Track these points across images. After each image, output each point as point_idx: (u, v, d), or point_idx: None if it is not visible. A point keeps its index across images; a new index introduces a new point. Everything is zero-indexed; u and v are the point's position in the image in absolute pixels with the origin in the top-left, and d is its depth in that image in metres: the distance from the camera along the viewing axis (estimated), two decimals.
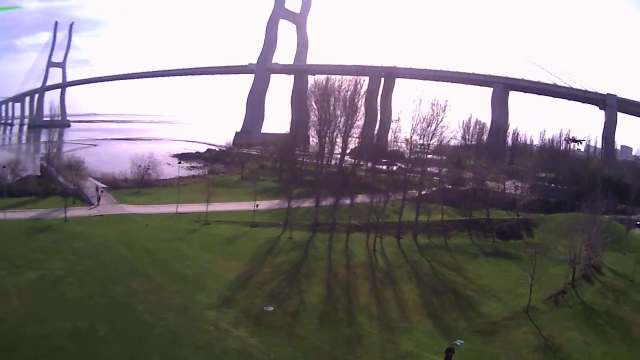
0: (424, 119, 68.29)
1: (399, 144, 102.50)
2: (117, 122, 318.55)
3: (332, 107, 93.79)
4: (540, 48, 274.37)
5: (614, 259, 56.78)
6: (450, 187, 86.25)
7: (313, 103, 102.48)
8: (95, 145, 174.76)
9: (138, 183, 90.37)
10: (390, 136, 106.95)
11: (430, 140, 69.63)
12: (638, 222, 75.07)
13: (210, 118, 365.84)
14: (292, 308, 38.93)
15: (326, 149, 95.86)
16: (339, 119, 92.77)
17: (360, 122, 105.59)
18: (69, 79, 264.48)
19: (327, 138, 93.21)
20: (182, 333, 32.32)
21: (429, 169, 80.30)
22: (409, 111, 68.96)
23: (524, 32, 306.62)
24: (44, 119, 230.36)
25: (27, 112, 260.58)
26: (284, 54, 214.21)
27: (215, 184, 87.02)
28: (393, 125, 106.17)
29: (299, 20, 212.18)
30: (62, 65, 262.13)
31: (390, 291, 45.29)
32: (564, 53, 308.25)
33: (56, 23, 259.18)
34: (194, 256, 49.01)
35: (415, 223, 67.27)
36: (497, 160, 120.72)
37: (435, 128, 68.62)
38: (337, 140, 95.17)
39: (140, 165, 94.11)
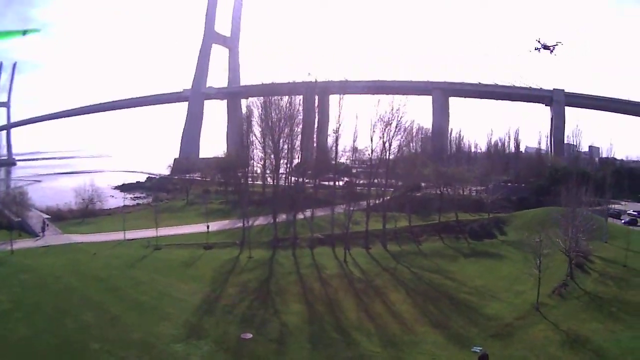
0: (381, 118, 63.08)
1: (346, 155, 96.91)
2: (59, 158, 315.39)
3: (274, 119, 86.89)
4: (480, 53, 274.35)
5: (598, 247, 53.72)
6: (408, 193, 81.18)
7: (256, 116, 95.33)
8: (39, 181, 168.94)
9: (83, 213, 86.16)
10: (333, 149, 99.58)
11: (392, 140, 64.29)
12: (610, 212, 72.86)
13: (147, 148, 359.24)
14: (274, 333, 32.68)
15: (272, 163, 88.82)
16: (283, 130, 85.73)
17: (298, 137, 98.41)
18: (13, 118, 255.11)
19: (272, 150, 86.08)
20: None
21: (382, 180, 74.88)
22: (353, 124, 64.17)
23: (463, 38, 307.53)
24: None
25: None
26: (218, 77, 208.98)
27: (161, 210, 79.55)
28: (330, 140, 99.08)
29: (230, 43, 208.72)
30: (7, 104, 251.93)
31: (379, 304, 39.93)
32: (507, 55, 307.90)
33: (0, 64, 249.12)
34: (149, 281, 42.65)
35: (383, 231, 62.05)
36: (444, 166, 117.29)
37: (397, 127, 63.48)
38: (284, 150, 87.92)
39: (83, 199, 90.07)
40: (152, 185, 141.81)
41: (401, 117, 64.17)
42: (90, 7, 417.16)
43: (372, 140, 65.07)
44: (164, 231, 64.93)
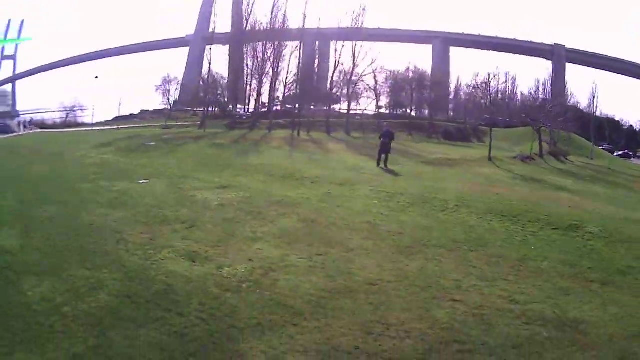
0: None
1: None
2: (62, 111, 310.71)
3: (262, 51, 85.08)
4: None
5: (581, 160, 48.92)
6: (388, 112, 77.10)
7: (249, 49, 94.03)
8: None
9: (66, 124, 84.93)
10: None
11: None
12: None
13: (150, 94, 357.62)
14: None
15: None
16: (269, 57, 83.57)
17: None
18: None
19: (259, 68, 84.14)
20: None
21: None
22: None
23: None
24: None
25: None
26: (225, 26, 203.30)
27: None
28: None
29: None
30: (13, 57, 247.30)
31: (313, 145, 36.32)
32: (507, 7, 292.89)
33: (9, 21, 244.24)
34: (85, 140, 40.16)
35: (347, 119, 57.91)
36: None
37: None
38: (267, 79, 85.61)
39: (65, 107, 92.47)
40: (146, 116, 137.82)
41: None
42: None
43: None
44: None
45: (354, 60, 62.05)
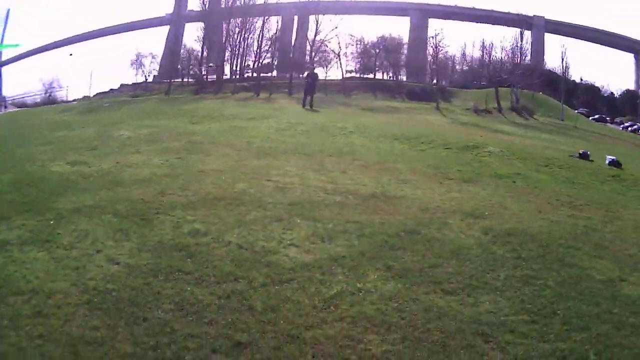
0: None
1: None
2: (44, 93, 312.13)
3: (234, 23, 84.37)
4: None
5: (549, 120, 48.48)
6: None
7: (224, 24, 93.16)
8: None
9: (46, 102, 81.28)
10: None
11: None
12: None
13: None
14: None
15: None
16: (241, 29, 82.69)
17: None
18: None
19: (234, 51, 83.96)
20: None
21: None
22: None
23: None
24: None
25: None
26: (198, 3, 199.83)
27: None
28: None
29: None
30: None
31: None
32: None
33: None
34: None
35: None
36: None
37: None
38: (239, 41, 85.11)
39: (44, 84, 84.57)
40: (124, 89, 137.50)
41: None
42: None
43: None
44: None
45: (316, 26, 60.43)
